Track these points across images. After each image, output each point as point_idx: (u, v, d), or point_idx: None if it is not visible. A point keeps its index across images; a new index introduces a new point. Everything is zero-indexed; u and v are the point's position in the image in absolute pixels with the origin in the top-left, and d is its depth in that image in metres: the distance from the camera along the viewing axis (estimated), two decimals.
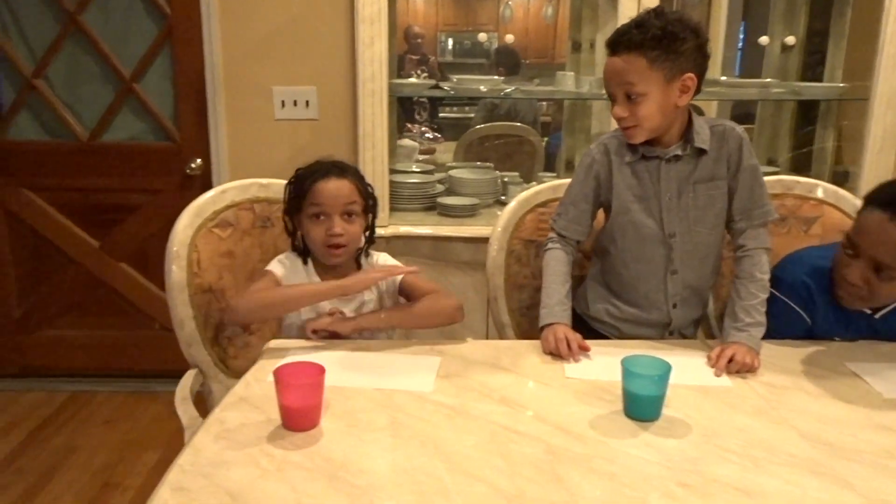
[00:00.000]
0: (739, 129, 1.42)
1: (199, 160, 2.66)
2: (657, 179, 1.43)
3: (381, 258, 1.56)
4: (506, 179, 2.67)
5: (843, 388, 1.23)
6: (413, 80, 2.62)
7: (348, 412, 1.09)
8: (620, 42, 1.33)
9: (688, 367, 1.29)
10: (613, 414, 1.11)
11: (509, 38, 2.36)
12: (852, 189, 2.38)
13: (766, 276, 1.41)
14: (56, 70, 2.67)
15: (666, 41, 1.29)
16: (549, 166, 3.31)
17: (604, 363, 1.31)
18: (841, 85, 2.49)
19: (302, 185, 1.44)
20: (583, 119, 2.91)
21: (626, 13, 2.18)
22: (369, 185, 1.51)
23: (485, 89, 2.47)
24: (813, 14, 2.69)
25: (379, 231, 2.27)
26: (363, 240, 1.51)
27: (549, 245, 1.54)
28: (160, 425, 2.60)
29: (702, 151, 1.40)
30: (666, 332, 1.51)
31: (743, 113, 3.12)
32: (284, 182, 1.71)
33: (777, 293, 1.43)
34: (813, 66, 2.71)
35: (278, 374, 1.02)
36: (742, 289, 1.40)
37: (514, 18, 4.91)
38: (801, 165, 2.80)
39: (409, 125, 3.79)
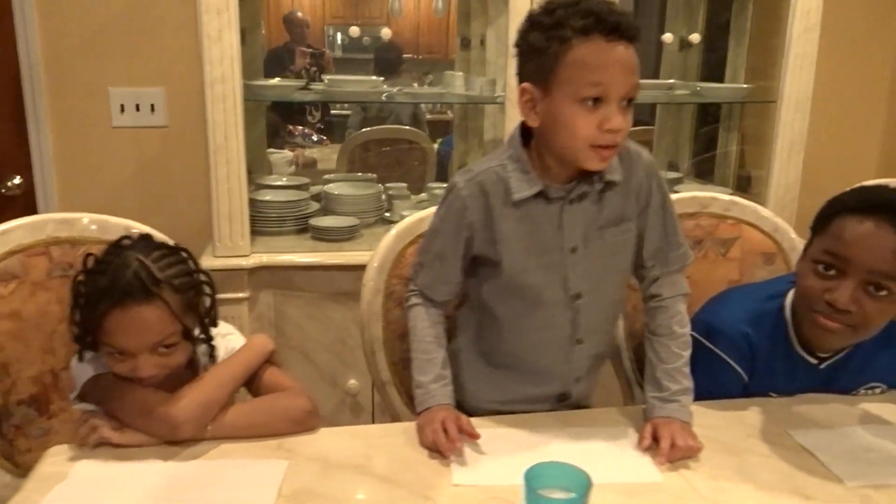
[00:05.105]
0: (646, 152, 1.15)
1: (18, 178, 2.19)
2: (558, 226, 1.11)
3: (225, 338, 1.15)
4: (391, 192, 2.35)
5: (797, 474, 1.00)
6: (276, 80, 2.26)
7: None
8: (623, 25, 0.98)
9: (606, 454, 1.03)
10: None
11: (385, 32, 2.04)
12: (758, 195, 2.23)
13: (687, 330, 1.18)
14: None
15: (638, 40, 1.01)
16: (442, 175, 3.02)
17: (499, 461, 1.01)
18: (744, 86, 2.33)
19: (91, 312, 1.00)
20: (475, 120, 2.64)
21: (517, 6, 1.91)
22: (199, 272, 1.07)
23: (362, 90, 2.15)
24: (713, 9, 2.53)
25: (240, 262, 1.93)
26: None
27: (413, 300, 1.22)
28: None
29: (608, 184, 1.10)
30: (560, 404, 1.22)
31: (639, 118, 2.95)
32: (92, 218, 1.33)
33: (711, 346, 1.19)
34: (714, 65, 2.55)
35: None
36: (662, 349, 1.15)
37: (405, 12, 4.62)
38: (704, 170, 2.64)
39: (290, 127, 3.40)
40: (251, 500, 0.89)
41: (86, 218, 1.28)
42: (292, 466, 0.96)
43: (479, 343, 1.23)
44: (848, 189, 1.15)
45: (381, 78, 2.15)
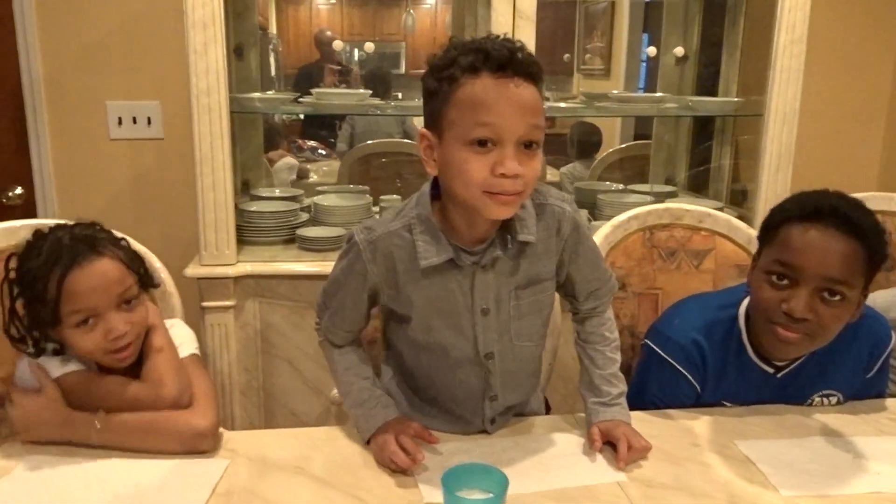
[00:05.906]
0: (570, 207, 1.08)
1: (19, 188, 2.26)
2: (469, 289, 1.05)
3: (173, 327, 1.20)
4: (383, 205, 2.38)
5: (734, 484, 0.99)
6: (258, 93, 2.31)
7: None
8: (516, 61, 0.93)
9: (565, 460, 1.05)
10: None
11: (368, 46, 2.07)
12: (750, 209, 2.22)
13: (617, 335, 1.18)
14: None
15: (541, 77, 0.96)
16: None
17: None
18: (735, 100, 2.33)
19: (42, 288, 0.99)
20: None
21: (499, 19, 1.95)
22: (123, 239, 1.12)
23: (350, 103, 2.19)
24: (706, 24, 2.54)
25: (225, 271, 1.97)
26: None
27: (322, 336, 1.20)
28: None
29: (522, 244, 1.04)
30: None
31: (642, 132, 2.95)
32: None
33: (663, 354, 1.19)
34: (708, 80, 2.55)
35: None
36: (597, 355, 1.15)
37: (420, 28, 4.68)
38: (699, 184, 2.64)
39: (300, 141, 3.45)
40: (185, 497, 0.91)
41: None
42: (232, 465, 0.98)
43: (400, 380, 1.20)
44: (789, 197, 1.14)
45: (370, 91, 2.18)
